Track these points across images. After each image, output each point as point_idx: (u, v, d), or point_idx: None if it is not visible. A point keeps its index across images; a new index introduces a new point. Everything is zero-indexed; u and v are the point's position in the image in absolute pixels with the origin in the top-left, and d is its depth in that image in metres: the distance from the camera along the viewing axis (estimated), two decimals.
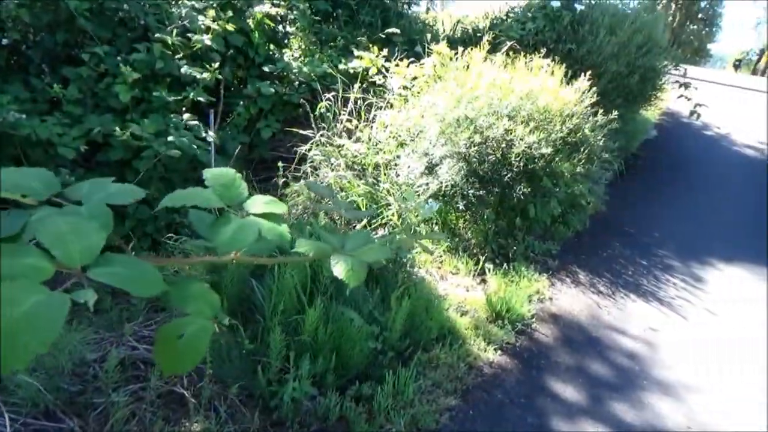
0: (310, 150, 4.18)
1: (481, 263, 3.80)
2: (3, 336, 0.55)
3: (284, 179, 4.05)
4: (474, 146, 3.80)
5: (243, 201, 0.92)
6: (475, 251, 3.97)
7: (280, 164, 4.09)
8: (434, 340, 2.86)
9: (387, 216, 3.93)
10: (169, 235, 3.27)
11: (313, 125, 4.24)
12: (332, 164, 4.14)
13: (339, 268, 0.92)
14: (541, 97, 4.06)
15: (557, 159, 4.06)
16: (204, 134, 3.83)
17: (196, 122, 3.81)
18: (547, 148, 3.84)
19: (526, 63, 4.62)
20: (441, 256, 3.87)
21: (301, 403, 2.30)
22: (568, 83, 4.54)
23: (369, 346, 2.55)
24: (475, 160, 3.81)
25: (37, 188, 0.80)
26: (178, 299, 0.82)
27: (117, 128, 3.39)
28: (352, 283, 0.92)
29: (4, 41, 4.26)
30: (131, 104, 3.96)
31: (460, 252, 3.89)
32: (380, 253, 1.02)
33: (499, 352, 2.99)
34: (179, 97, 3.91)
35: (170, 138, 3.53)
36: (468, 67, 4.40)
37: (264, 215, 0.91)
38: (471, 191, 3.78)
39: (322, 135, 4.24)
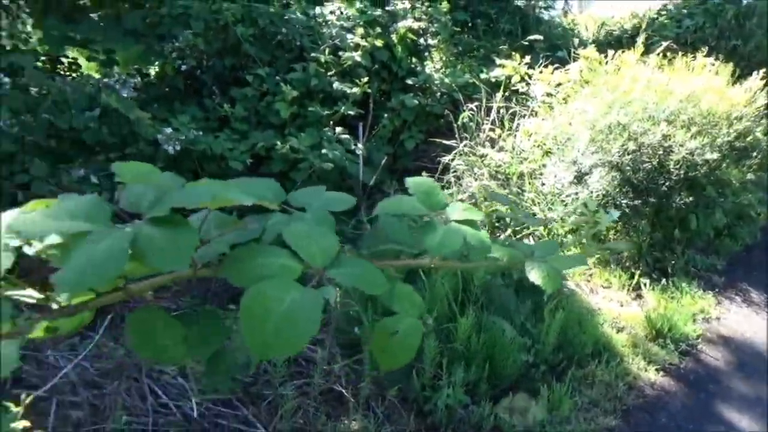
0: (453, 160, 4.23)
1: (636, 277, 3.58)
2: (271, 331, 0.63)
3: None
4: (627, 154, 3.61)
5: (443, 208, 0.97)
6: (627, 264, 3.76)
7: (423, 174, 4.18)
8: (589, 355, 2.74)
9: (532, 226, 3.85)
10: None
11: (456, 135, 4.29)
12: (475, 174, 4.14)
13: (535, 274, 0.94)
14: (704, 98, 3.75)
15: (723, 166, 3.73)
16: (353, 146, 4.03)
17: (346, 135, 4.01)
18: (711, 154, 3.54)
19: (687, 63, 4.30)
20: (590, 269, 3.71)
21: (454, 410, 2.33)
22: (734, 83, 4.15)
23: (521, 358, 2.51)
24: (628, 168, 3.61)
25: (270, 196, 0.90)
26: (386, 298, 0.88)
27: (278, 142, 3.67)
28: (549, 288, 0.93)
29: (183, 67, 4.81)
30: (289, 120, 4.28)
31: (611, 265, 3.70)
32: (574, 261, 1.01)
33: (661, 372, 2.79)
34: (331, 112, 4.15)
35: (324, 151, 3.76)
36: (619, 70, 4.19)
37: (463, 222, 0.95)
38: (624, 201, 3.59)
39: (465, 144, 4.27)
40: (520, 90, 4.75)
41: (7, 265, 0.63)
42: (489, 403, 2.35)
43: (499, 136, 4.35)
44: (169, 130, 3.60)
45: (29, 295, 0.71)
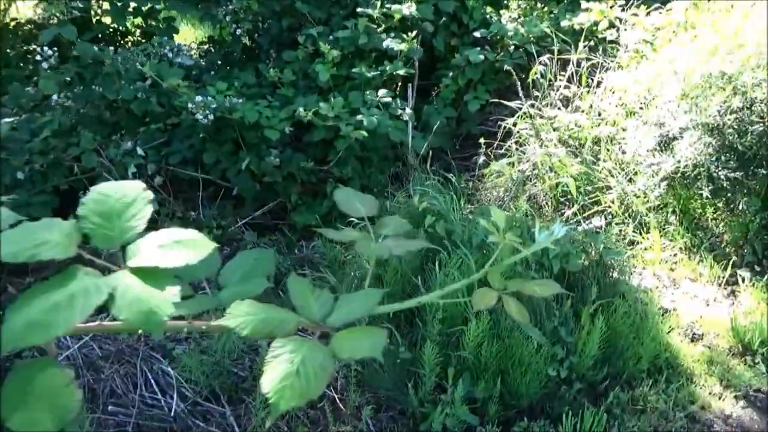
0: (516, 124, 3.66)
1: (730, 268, 2.87)
2: None
3: (485, 157, 3.62)
4: (731, 113, 2.86)
5: (128, 242, 0.59)
6: (726, 251, 3.03)
7: (482, 141, 3.67)
8: (643, 373, 2.19)
9: (605, 202, 3.23)
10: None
11: (521, 95, 3.69)
12: (542, 139, 3.56)
13: (268, 378, 0.54)
14: None
15: None
16: (399, 111, 3.60)
17: (389, 99, 3.60)
18: None
19: None
20: (675, 255, 3.04)
21: None
22: None
23: (547, 372, 2.04)
24: (731, 131, 2.86)
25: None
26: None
27: (301, 109, 3.36)
28: (274, 414, 0.53)
29: (238, 31, 4.62)
30: (338, 83, 3.95)
31: (703, 251, 3.00)
32: (370, 339, 0.60)
33: (741, 402, 2.16)
34: (377, 73, 3.74)
35: (359, 117, 3.39)
36: (732, 8, 3.34)
37: (143, 271, 0.56)
38: (722, 173, 2.86)
39: (531, 105, 3.67)
40: (609, 38, 3.99)
41: None
42: (496, 427, 1.93)
43: (575, 95, 3.69)
44: (199, 99, 3.42)
45: None
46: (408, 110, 3.65)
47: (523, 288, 0.77)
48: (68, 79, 3.84)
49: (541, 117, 3.63)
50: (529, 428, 1.95)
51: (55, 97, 3.74)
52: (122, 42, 4.73)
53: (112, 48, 4.12)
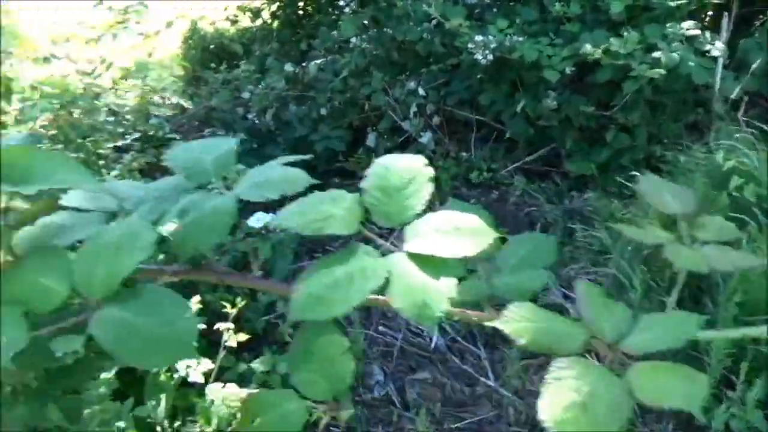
0: None
1: None
2: None
3: None
4: None
5: (407, 221, 0.53)
6: None
7: None
8: None
9: None
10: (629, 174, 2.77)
11: None
12: None
13: (549, 404, 0.46)
14: None
15: None
16: (708, 46, 2.99)
17: (696, 31, 3.01)
18: None
19: None
20: None
21: None
22: None
23: None
24: None
25: (207, 165, 0.66)
26: (293, 356, 0.56)
27: (587, 45, 3.03)
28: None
29: None
30: (634, 15, 3.48)
31: None
32: (685, 385, 0.47)
33: None
34: (683, 0, 3.15)
35: (656, 54, 2.93)
36: None
37: (420, 257, 0.51)
38: None
39: None
40: None
41: None
42: None
43: None
44: (479, 38, 3.37)
45: None
46: (720, 44, 3.02)
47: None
48: (365, 22, 4.17)
49: None
50: None
51: (353, 39, 4.11)
52: None
53: None
